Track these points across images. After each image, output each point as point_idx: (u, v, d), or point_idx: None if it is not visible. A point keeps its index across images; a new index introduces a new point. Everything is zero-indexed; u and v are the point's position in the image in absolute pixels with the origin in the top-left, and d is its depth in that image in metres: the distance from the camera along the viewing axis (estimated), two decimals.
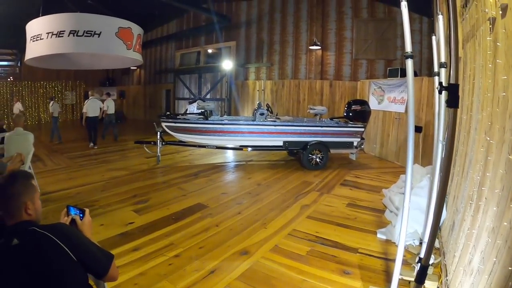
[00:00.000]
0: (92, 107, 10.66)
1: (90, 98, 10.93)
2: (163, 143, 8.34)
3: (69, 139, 12.44)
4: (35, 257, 1.49)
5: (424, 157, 7.30)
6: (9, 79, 20.12)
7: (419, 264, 2.57)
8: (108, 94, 12.69)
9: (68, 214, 1.87)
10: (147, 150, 8.68)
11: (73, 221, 1.85)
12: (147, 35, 17.77)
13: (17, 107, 13.89)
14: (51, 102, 12.20)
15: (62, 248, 1.51)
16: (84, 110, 10.71)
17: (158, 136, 8.17)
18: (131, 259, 3.44)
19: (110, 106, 11.89)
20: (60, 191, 5.97)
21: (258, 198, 5.72)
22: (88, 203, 5.19)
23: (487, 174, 2.05)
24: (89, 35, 8.17)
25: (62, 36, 7.99)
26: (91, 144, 10.72)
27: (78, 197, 5.64)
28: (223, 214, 4.94)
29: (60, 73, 20.56)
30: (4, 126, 9.97)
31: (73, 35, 8.02)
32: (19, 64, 20.18)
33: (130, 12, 13.10)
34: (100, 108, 11.03)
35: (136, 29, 9.54)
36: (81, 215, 1.88)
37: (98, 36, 8.29)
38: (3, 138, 5.92)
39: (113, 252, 1.77)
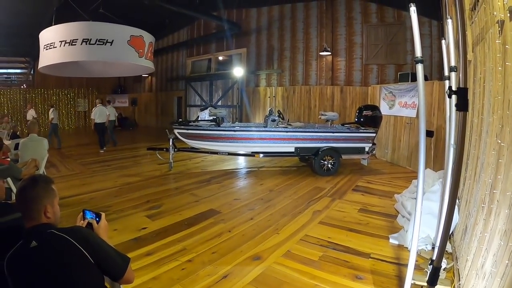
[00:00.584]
0: (99, 114, 11.48)
1: (97, 105, 11.75)
2: (176, 149, 8.41)
3: (81, 144, 12.75)
4: (53, 258, 1.53)
5: (436, 162, 7.24)
6: (22, 87, 20.58)
7: (431, 266, 2.56)
8: (109, 102, 13.80)
9: (84, 217, 1.92)
10: (159, 156, 8.76)
11: (89, 224, 1.89)
12: (158, 42, 17.97)
13: (31, 113, 14.28)
14: (51, 109, 12.70)
15: (79, 250, 1.56)
16: (92, 117, 11.64)
17: (171, 143, 8.24)
18: (144, 263, 3.49)
19: (111, 113, 12.50)
20: (74, 196, 6.07)
21: (270, 204, 5.73)
22: (101, 208, 5.20)
23: (499, 176, 2.04)
24: (102, 43, 8.32)
25: (75, 45, 8.16)
26: (102, 151, 11.34)
27: (91, 202, 5.73)
28: (236, 219, 4.97)
29: (73, 80, 20.93)
30: (18, 133, 10.26)
31: (86, 43, 8.19)
32: (32, 72, 20.67)
33: (141, 20, 13.35)
34: (107, 115, 11.84)
35: (148, 37, 9.68)
36: (97, 219, 1.92)
37: (111, 44, 8.44)
38: (17, 144, 6.06)
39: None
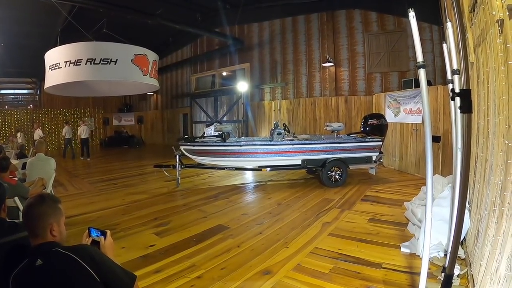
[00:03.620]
0: (84, 131, 14.85)
1: (82, 125, 15.25)
2: (182, 166, 8.40)
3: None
4: (59, 277, 1.51)
5: (445, 167, 7.17)
6: (29, 107, 20.99)
7: (443, 274, 2.49)
8: (83, 121, 17.02)
9: (89, 235, 1.91)
10: (166, 173, 8.76)
11: (95, 242, 1.88)
12: (162, 60, 18.19)
13: (38, 133, 14.68)
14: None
15: (85, 269, 1.54)
16: (78, 134, 15.30)
17: (177, 160, 8.24)
18: (153, 281, 3.44)
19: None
20: (81, 215, 6.07)
21: (279, 218, 5.66)
22: (109, 226, 5.22)
23: (508, 178, 2.00)
24: (106, 62, 8.45)
25: (80, 65, 8.30)
26: (82, 157, 14.86)
27: (99, 220, 5.71)
28: (244, 234, 4.91)
29: (79, 100, 21.39)
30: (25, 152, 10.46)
31: (90, 63, 8.33)
32: (38, 92, 21.13)
33: (145, 39, 13.56)
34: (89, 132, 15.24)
35: (152, 55, 9.80)
36: (102, 236, 1.91)
37: (115, 64, 8.56)
38: (25, 163, 6.10)
39: (135, 274, 1.78)
